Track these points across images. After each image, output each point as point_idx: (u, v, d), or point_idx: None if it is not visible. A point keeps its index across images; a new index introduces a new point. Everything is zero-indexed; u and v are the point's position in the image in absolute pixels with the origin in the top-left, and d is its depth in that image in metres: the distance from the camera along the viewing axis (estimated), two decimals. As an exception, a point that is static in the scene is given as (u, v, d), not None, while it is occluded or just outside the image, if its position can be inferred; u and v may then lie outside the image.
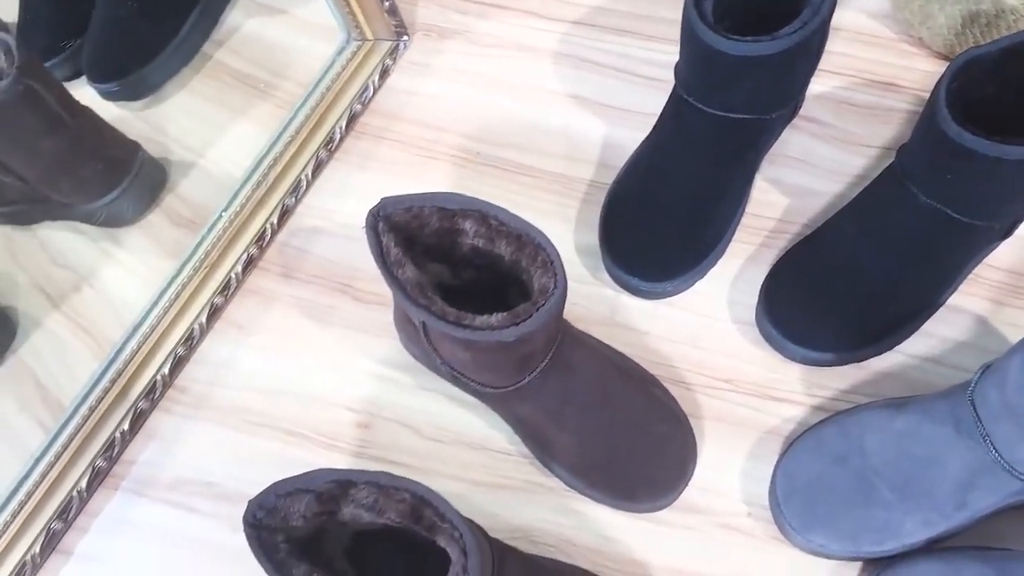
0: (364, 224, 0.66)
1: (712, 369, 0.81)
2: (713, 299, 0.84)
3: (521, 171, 0.91)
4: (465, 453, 0.79)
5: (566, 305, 0.76)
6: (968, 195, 0.71)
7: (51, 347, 0.85)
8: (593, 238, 0.86)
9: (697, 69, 0.75)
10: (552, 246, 0.65)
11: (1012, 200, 0.71)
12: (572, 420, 0.72)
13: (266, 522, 0.58)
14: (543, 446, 0.74)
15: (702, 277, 0.84)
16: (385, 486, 0.59)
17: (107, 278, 0.88)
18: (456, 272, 0.73)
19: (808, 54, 0.74)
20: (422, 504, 0.59)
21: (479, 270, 0.72)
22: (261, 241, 0.87)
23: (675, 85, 0.80)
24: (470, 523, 0.59)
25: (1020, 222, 0.77)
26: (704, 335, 0.82)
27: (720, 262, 0.85)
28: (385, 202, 0.67)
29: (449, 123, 0.94)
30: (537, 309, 0.63)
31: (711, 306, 0.84)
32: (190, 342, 0.82)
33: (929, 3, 0.87)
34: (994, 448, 0.64)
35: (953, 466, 0.66)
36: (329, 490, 0.60)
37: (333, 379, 0.82)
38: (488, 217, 0.67)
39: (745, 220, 0.88)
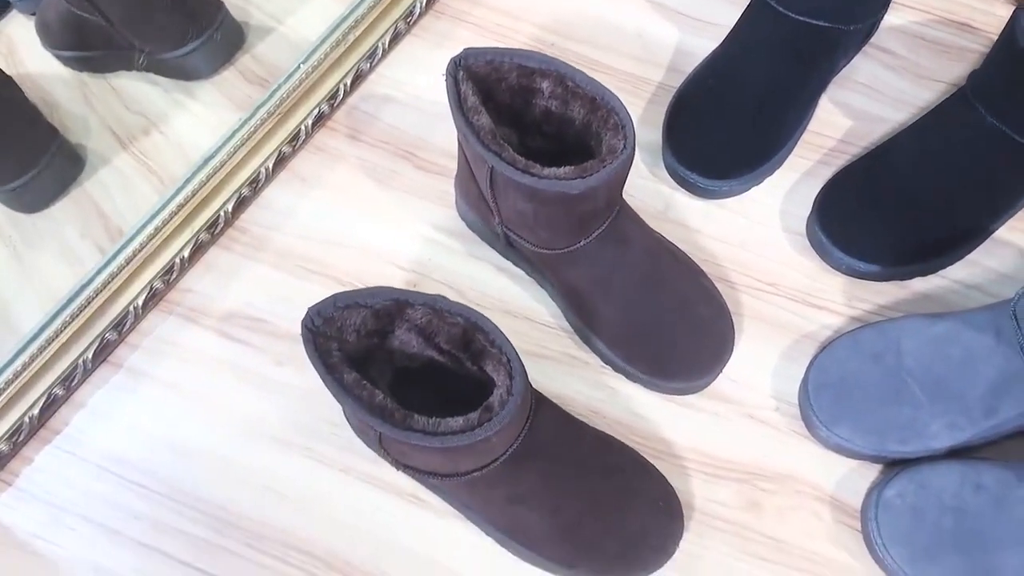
0: (444, 71, 0.68)
1: (757, 271, 0.82)
2: (766, 206, 0.85)
3: (593, 66, 0.93)
4: (507, 320, 0.81)
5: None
6: (1033, 117, 0.71)
7: (117, 183, 0.88)
8: (655, 136, 0.88)
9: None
10: (625, 110, 0.67)
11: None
12: (619, 290, 0.74)
13: (323, 329, 0.61)
14: (586, 316, 0.76)
15: (759, 183, 0.85)
16: (440, 309, 0.61)
17: (178, 126, 0.90)
18: (524, 139, 0.75)
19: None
20: (474, 329, 0.61)
21: (546, 138, 0.74)
22: (333, 100, 0.89)
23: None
24: (524, 370, 0.61)
25: (1080, 159, 0.78)
26: (753, 239, 0.84)
27: (778, 172, 0.87)
28: (467, 52, 0.69)
29: (528, 13, 0.96)
30: (604, 166, 0.65)
31: (764, 213, 0.85)
32: (255, 185, 0.85)
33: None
34: (1029, 354, 0.65)
35: (988, 371, 0.68)
36: (386, 307, 0.62)
37: (388, 237, 0.84)
38: (565, 78, 0.69)
39: (807, 137, 0.89)
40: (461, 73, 0.69)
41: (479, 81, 0.69)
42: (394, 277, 0.82)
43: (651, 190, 0.86)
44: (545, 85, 0.70)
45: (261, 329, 0.81)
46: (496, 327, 0.60)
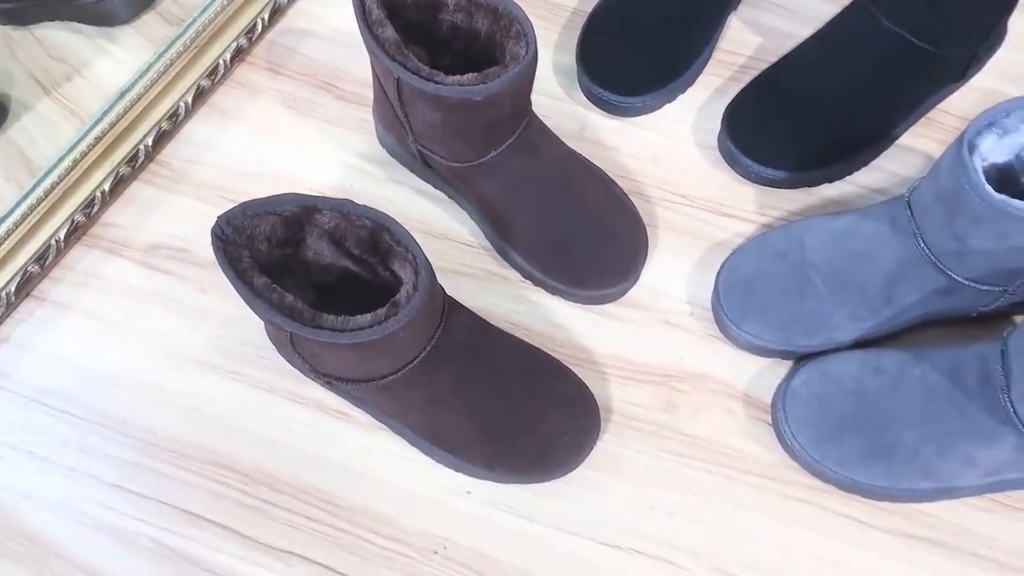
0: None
1: (671, 184, 0.84)
2: (679, 123, 0.87)
3: (507, -5, 0.93)
4: (428, 241, 0.83)
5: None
6: (929, 18, 0.74)
7: (41, 128, 0.88)
8: (570, 60, 0.89)
9: None
10: (526, 19, 0.68)
11: (968, 23, 0.74)
12: (531, 200, 0.75)
13: (232, 237, 0.62)
14: (502, 229, 0.78)
15: (671, 101, 0.87)
16: (348, 213, 0.63)
17: (100, 70, 0.90)
18: (434, 59, 0.76)
19: None
20: (381, 229, 0.62)
21: (456, 56, 0.75)
22: (251, 35, 0.89)
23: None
24: (430, 267, 0.63)
25: (974, 63, 0.80)
26: (667, 155, 0.86)
27: (690, 91, 0.89)
28: (371, -34, 0.70)
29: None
30: (506, 72, 0.66)
31: (677, 129, 0.87)
32: (175, 119, 0.85)
33: None
34: (923, 240, 0.68)
35: (884, 260, 0.70)
36: (295, 213, 0.63)
37: (309, 167, 0.85)
38: (471, -9, 0.69)
39: (718, 55, 0.91)
40: (365, -13, 0.69)
41: (383, -4, 0.70)
42: (316, 204, 0.83)
43: (567, 112, 0.88)
44: (450, -2, 0.70)
45: (184, 259, 0.82)
46: (401, 227, 0.62)
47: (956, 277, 0.69)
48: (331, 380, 0.69)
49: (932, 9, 0.73)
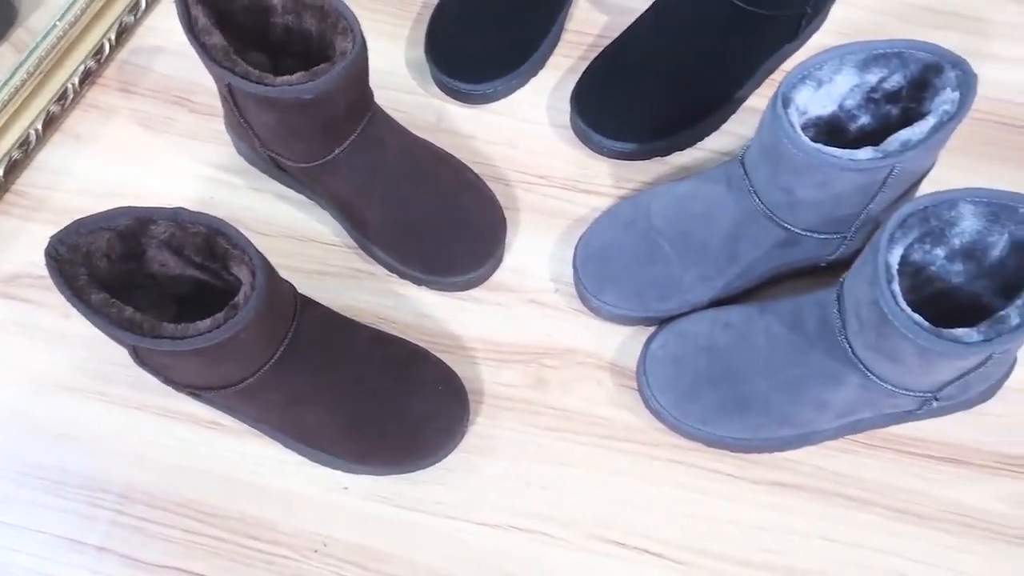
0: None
1: (528, 167, 0.86)
2: (533, 106, 0.89)
3: (357, -6, 0.94)
4: (292, 245, 0.83)
5: (393, 112, 0.80)
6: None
7: None
8: (422, 53, 0.90)
9: None
10: (351, 13, 0.69)
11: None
12: (382, 194, 0.76)
13: (67, 256, 0.61)
14: (359, 225, 0.78)
15: (523, 84, 0.88)
16: (182, 221, 0.63)
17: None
18: (276, 65, 0.77)
19: None
20: (215, 234, 0.62)
21: (296, 59, 0.75)
22: (99, 56, 0.89)
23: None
24: (266, 259, 0.63)
25: (805, 21, 0.82)
26: (523, 137, 0.87)
27: (541, 73, 0.90)
28: (197, -25, 0.70)
29: (289, -48, 0.96)
30: (334, 67, 0.67)
31: (531, 112, 0.88)
32: (26, 147, 0.85)
33: None
34: (757, 196, 0.70)
35: (724, 219, 0.72)
36: (129, 227, 0.63)
37: (169, 183, 0.85)
38: (294, -11, 0.70)
39: (567, 36, 0.92)
40: (190, -4, 0.69)
41: (211, 3, 0.70)
42: (176, 219, 0.83)
43: (423, 104, 0.89)
44: (277, 0, 0.71)
45: (45, 286, 0.81)
46: (236, 229, 0.62)
47: (793, 228, 0.71)
48: (192, 390, 0.68)
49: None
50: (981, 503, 0.72)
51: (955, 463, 0.73)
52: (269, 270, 0.62)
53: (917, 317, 0.58)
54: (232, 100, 0.71)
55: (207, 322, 0.59)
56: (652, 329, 0.78)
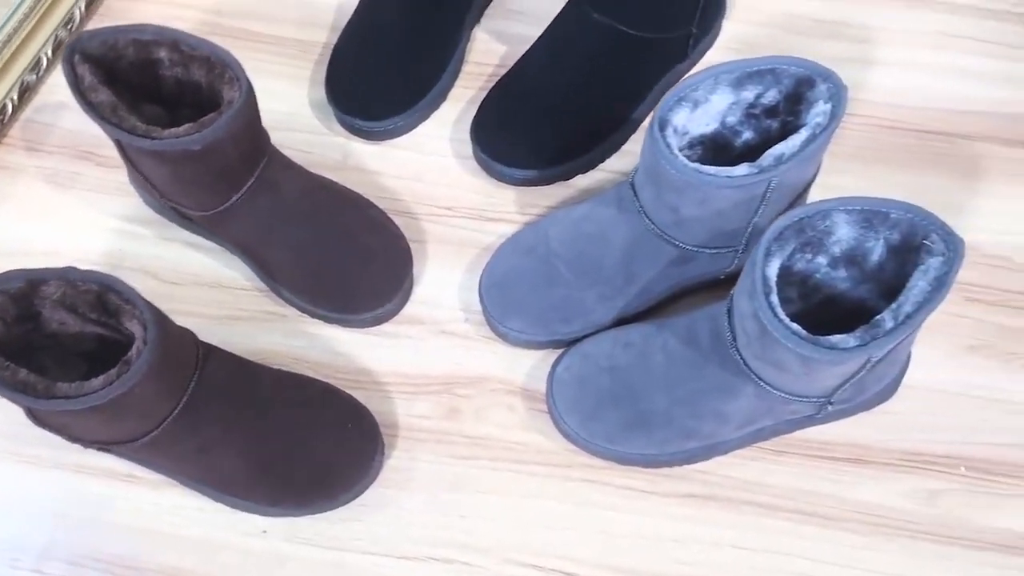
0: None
1: (435, 199, 0.87)
2: (437, 139, 0.90)
3: (259, 39, 0.96)
4: (203, 292, 0.83)
5: (299, 153, 0.82)
6: (628, 5, 0.78)
7: None
8: (324, 94, 0.91)
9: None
10: (236, 62, 0.70)
11: (670, 7, 0.78)
12: (284, 236, 0.77)
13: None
14: (266, 268, 0.79)
15: (426, 119, 0.90)
16: (72, 280, 0.63)
17: None
18: (173, 113, 0.77)
19: None
20: (107, 290, 0.63)
21: (192, 109, 0.76)
22: (2, 116, 0.89)
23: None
24: (158, 312, 0.63)
25: (693, 41, 0.84)
26: (428, 170, 0.88)
27: (444, 105, 0.91)
28: (81, 34, 0.71)
29: (191, 1, 0.97)
30: (221, 116, 0.67)
31: (435, 145, 0.90)
32: (-69, 212, 0.84)
33: None
34: (647, 216, 0.71)
35: (617, 239, 0.73)
36: (20, 289, 0.63)
37: (77, 238, 0.85)
38: (180, 44, 0.71)
39: (468, 68, 0.94)
40: (76, 56, 0.70)
41: (97, 61, 0.71)
42: (87, 273, 0.83)
43: (329, 144, 0.90)
44: (163, 54, 0.72)
45: (-43, 349, 0.80)
46: (126, 284, 0.62)
47: (684, 245, 0.72)
48: (100, 446, 0.69)
49: (630, 2, 0.77)
50: (885, 501, 0.74)
51: (859, 463, 0.75)
52: (162, 323, 0.62)
53: (795, 327, 0.60)
54: (124, 155, 0.71)
55: (100, 379, 0.60)
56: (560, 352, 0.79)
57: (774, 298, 0.61)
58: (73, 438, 0.67)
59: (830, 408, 0.70)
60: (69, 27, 0.94)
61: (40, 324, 0.66)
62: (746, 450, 0.75)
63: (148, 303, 0.62)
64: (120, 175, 0.88)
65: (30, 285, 0.63)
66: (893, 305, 0.61)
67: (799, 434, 0.76)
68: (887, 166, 0.87)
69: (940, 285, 0.61)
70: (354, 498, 0.74)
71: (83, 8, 0.95)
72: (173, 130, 0.68)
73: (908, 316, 0.60)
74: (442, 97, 0.90)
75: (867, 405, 0.75)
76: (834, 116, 0.67)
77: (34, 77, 0.92)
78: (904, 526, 0.73)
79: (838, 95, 0.67)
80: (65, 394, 0.60)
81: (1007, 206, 0.85)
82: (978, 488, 0.74)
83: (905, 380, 0.77)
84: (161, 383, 0.63)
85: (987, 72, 0.92)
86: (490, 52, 0.94)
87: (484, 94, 0.90)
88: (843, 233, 0.64)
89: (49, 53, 0.93)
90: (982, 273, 0.82)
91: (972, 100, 0.90)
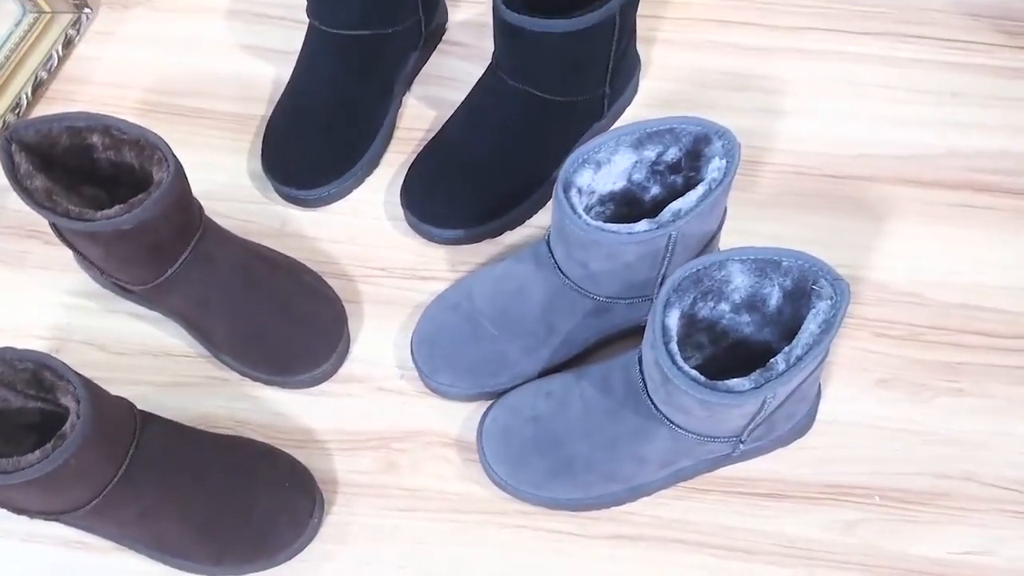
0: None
1: (369, 260, 0.90)
2: (371, 203, 0.94)
3: (199, 115, 0.99)
4: (148, 361, 0.86)
5: (239, 222, 0.86)
6: (537, 72, 0.82)
7: None
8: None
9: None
10: (164, 143, 0.73)
11: (580, 73, 0.83)
12: (219, 306, 0.80)
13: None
14: (204, 335, 0.82)
15: (360, 184, 0.93)
16: (8, 359, 0.66)
17: None
18: (112, 195, 0.81)
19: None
20: (42, 368, 0.66)
21: (130, 189, 0.80)
22: (-48, 200, 0.92)
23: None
24: (92, 385, 0.66)
25: (606, 102, 0.89)
26: (363, 234, 0.92)
27: (377, 171, 0.95)
28: (16, 124, 0.74)
29: (133, 81, 1.02)
30: (149, 196, 0.71)
31: (369, 209, 0.93)
32: None
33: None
34: (561, 271, 0.75)
35: (536, 294, 0.77)
36: (-40, 372, 0.66)
37: (26, 313, 0.88)
38: (111, 128, 0.75)
39: (399, 134, 0.98)
40: (13, 146, 0.74)
41: (33, 150, 0.74)
42: (36, 348, 0.86)
43: (267, 212, 0.93)
44: (96, 139, 0.75)
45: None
46: (61, 362, 0.65)
47: (599, 297, 0.76)
48: (45, 515, 0.71)
49: (541, 70, 0.81)
50: (805, 533, 0.77)
51: (779, 497, 0.78)
52: (96, 397, 0.65)
53: (693, 373, 0.63)
54: (61, 237, 0.74)
55: (36, 454, 0.63)
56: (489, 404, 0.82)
57: (673, 347, 0.64)
58: (18, 510, 0.70)
59: (743, 447, 0.73)
60: (16, 111, 0.98)
61: (-21, 404, 0.69)
62: (670, 490, 0.78)
63: (82, 378, 0.65)
64: (67, 251, 0.91)
65: (-33, 365, 0.66)
66: (786, 348, 0.64)
67: (721, 472, 0.79)
68: (800, 211, 0.91)
69: (828, 327, 0.64)
70: (294, 555, 0.76)
71: (29, 93, 0.99)
72: (105, 212, 0.71)
73: (799, 358, 0.63)
74: (374, 163, 0.94)
75: (783, 441, 0.78)
76: (728, 171, 0.70)
77: (-17, 161, 0.95)
78: (824, 557, 0.76)
79: (732, 151, 0.71)
80: (3, 469, 0.62)
81: (913, 244, 0.89)
82: (893, 516, 0.77)
83: (820, 415, 0.80)
84: (98, 453, 0.66)
85: (889, 117, 0.97)
86: (421, 117, 0.98)
87: (414, 158, 0.94)
88: (740, 281, 0.68)
89: (-3, 137, 0.96)
90: (891, 309, 0.86)
91: (876, 144, 0.95)
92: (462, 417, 0.83)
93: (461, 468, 0.80)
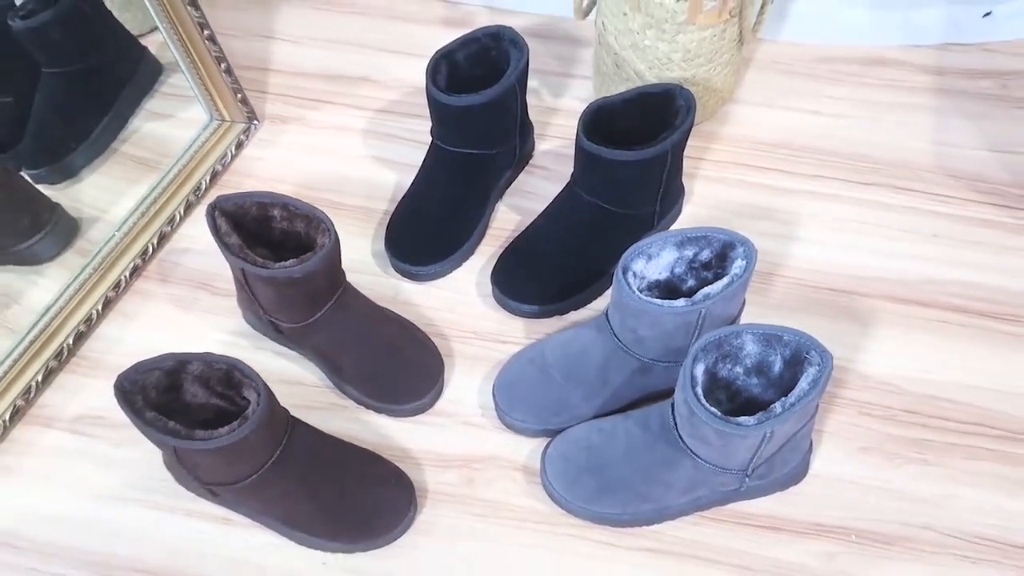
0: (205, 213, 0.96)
1: (462, 326, 1.11)
2: (466, 282, 1.15)
3: (336, 207, 1.23)
4: (286, 388, 1.07)
5: (363, 289, 1.05)
6: (608, 190, 1.04)
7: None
8: (383, 247, 1.17)
9: (435, 118, 1.09)
10: (328, 219, 0.96)
11: (638, 193, 1.05)
12: (350, 345, 1.01)
13: (129, 388, 0.85)
14: (334, 369, 1.02)
15: (459, 267, 1.15)
16: (209, 361, 0.87)
17: (33, 297, 1.15)
18: (276, 254, 1.03)
19: (505, 107, 1.08)
20: (233, 368, 0.86)
21: (292, 252, 1.02)
22: (145, 256, 1.15)
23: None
24: (268, 387, 0.87)
25: (656, 217, 1.10)
26: (459, 305, 1.13)
27: (472, 259, 1.17)
28: (219, 198, 0.97)
29: (286, 178, 1.26)
30: (315, 255, 0.93)
31: (465, 286, 1.14)
32: (89, 323, 1.09)
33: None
34: (616, 336, 0.95)
35: (596, 352, 0.97)
36: (173, 367, 0.87)
37: (193, 346, 1.09)
38: (288, 205, 0.97)
39: (491, 232, 1.20)
40: (216, 211, 0.96)
41: (229, 215, 0.97)
42: (199, 371, 1.07)
43: (383, 283, 1.15)
44: (276, 212, 0.98)
45: (102, 423, 1.04)
46: (248, 365, 0.86)
47: (643, 358, 0.95)
48: (211, 488, 0.90)
49: (609, 188, 1.03)
50: (795, 558, 0.93)
51: (775, 530, 0.95)
52: (270, 394, 0.85)
53: (712, 409, 0.82)
54: (244, 280, 0.96)
55: (226, 428, 0.83)
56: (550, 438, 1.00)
57: (699, 390, 0.83)
58: (196, 478, 0.89)
59: (748, 481, 0.91)
60: (197, 194, 1.22)
61: (180, 395, 0.89)
62: (690, 516, 0.96)
63: (262, 379, 0.86)
64: (228, 302, 1.13)
65: (179, 363, 0.87)
66: (783, 398, 0.83)
67: (730, 506, 0.96)
68: (804, 314, 1.11)
69: (814, 385, 0.83)
70: (393, 540, 0.94)
71: (207, 181, 1.23)
72: (282, 263, 0.93)
73: (792, 405, 0.82)
74: (470, 252, 1.15)
75: (781, 484, 0.95)
76: (747, 269, 0.91)
77: (169, 228, 1.18)
78: (807, 576, 0.92)
79: (750, 255, 0.91)
80: (201, 438, 0.82)
81: (894, 346, 1.08)
82: (865, 551, 0.94)
83: (812, 470, 0.98)
84: (265, 437, 0.86)
85: (881, 249, 1.17)
86: (508, 221, 1.21)
87: (502, 250, 1.16)
88: (751, 349, 0.87)
89: (182, 211, 1.20)
90: (874, 395, 1.04)
91: (869, 268, 1.15)
92: (528, 449, 1.01)
93: (526, 487, 0.98)
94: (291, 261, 0.92)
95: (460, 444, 1.01)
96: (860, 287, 1.13)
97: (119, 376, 0.85)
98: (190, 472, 0.88)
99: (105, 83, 1.27)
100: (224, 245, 0.94)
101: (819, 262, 1.15)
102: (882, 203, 1.21)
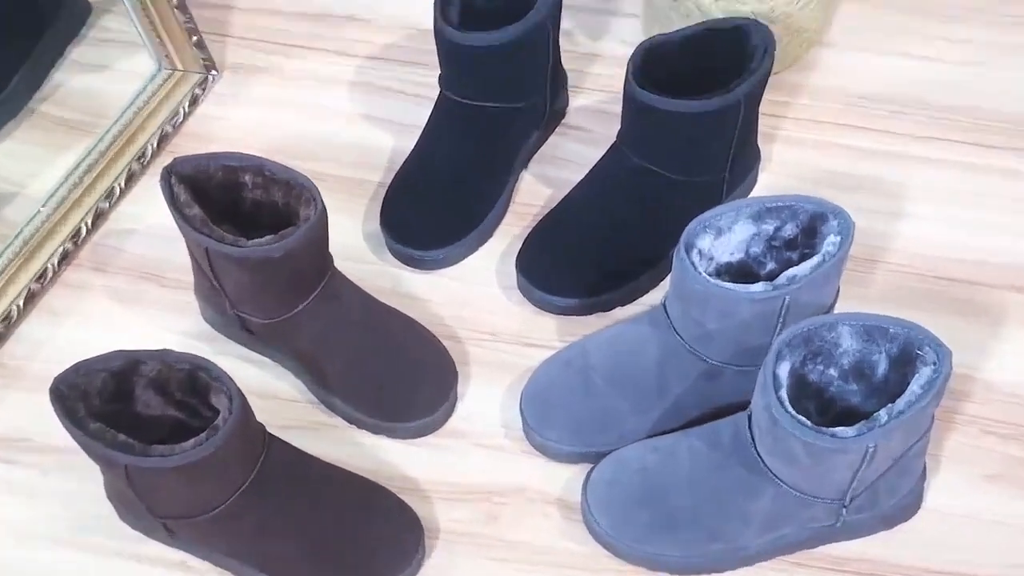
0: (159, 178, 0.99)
1: (479, 325, 1.15)
2: (483, 271, 1.19)
3: (318, 178, 1.26)
4: (258, 402, 1.08)
5: (353, 279, 1.09)
6: (664, 152, 1.08)
7: None
8: (378, 227, 1.21)
9: (445, 63, 1.13)
10: (313, 185, 0.99)
11: (703, 155, 1.09)
12: (341, 344, 1.04)
13: (68, 394, 0.89)
14: (320, 377, 1.06)
15: (474, 251, 1.19)
16: (167, 360, 0.91)
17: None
18: (246, 234, 1.07)
19: (534, 48, 1.12)
20: (198, 369, 0.90)
21: (263, 230, 1.06)
22: (76, 239, 1.19)
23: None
24: (242, 395, 0.90)
25: (725, 187, 1.14)
26: (474, 299, 1.17)
27: (491, 241, 1.21)
28: (176, 160, 1.01)
29: (254, 142, 1.29)
30: (299, 229, 0.97)
31: (481, 276, 1.18)
32: (7, 322, 1.13)
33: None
34: (676, 331, 0.99)
35: (650, 353, 1.00)
36: (122, 368, 0.91)
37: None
38: (264, 168, 1.01)
39: (515, 208, 1.24)
40: (173, 177, 1.00)
41: (189, 181, 1.01)
42: (147, 382, 1.10)
43: (380, 272, 1.19)
44: (248, 178, 1.02)
45: (25, 446, 1.07)
46: (216, 365, 0.90)
47: (711, 360, 0.99)
48: (166, 523, 0.94)
49: (666, 149, 1.07)
50: (905, 614, 0.96)
51: (876, 579, 0.98)
52: (244, 400, 0.89)
53: (800, 417, 0.85)
54: (209, 264, 1.00)
55: (191, 442, 0.86)
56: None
57: (783, 393, 0.86)
58: (150, 510, 0.92)
59: (845, 515, 0.94)
60: (141, 161, 1.26)
61: (129, 404, 0.93)
62: (770, 563, 0.99)
63: (233, 381, 0.89)
64: (180, 295, 1.17)
65: (131, 363, 0.91)
66: (890, 405, 0.86)
67: (821, 549, 0.99)
68: (911, 309, 1.13)
69: (929, 388, 0.86)
70: (397, 589, 0.97)
71: (155, 145, 1.27)
72: (256, 240, 0.97)
73: (900, 412, 0.85)
74: (488, 233, 1.19)
75: (886, 521, 0.98)
76: (842, 246, 0.94)
77: (107, 205, 1.23)
78: (919, 632, 0.95)
79: (846, 228, 0.95)
80: (160, 453, 0.86)
81: (1022, 348, 1.11)
82: (994, 607, 0.97)
83: (926, 503, 1.01)
84: (237, 453, 0.89)
85: (1003, 226, 1.20)
86: (536, 194, 1.24)
87: (528, 231, 1.19)
88: (848, 345, 0.90)
89: (122, 183, 1.24)
90: (997, 408, 1.07)
91: (989, 251, 1.18)
92: (564, 478, 1.05)
93: (560, 524, 1.02)
94: (268, 237, 0.96)
95: (479, 471, 1.05)
96: (983, 275, 1.17)
97: (56, 379, 0.88)
98: (142, 501, 0.91)
99: (14, 27, 1.32)
100: (183, 218, 0.98)
101: (931, 244, 1.19)
102: (1011, 170, 1.25)
